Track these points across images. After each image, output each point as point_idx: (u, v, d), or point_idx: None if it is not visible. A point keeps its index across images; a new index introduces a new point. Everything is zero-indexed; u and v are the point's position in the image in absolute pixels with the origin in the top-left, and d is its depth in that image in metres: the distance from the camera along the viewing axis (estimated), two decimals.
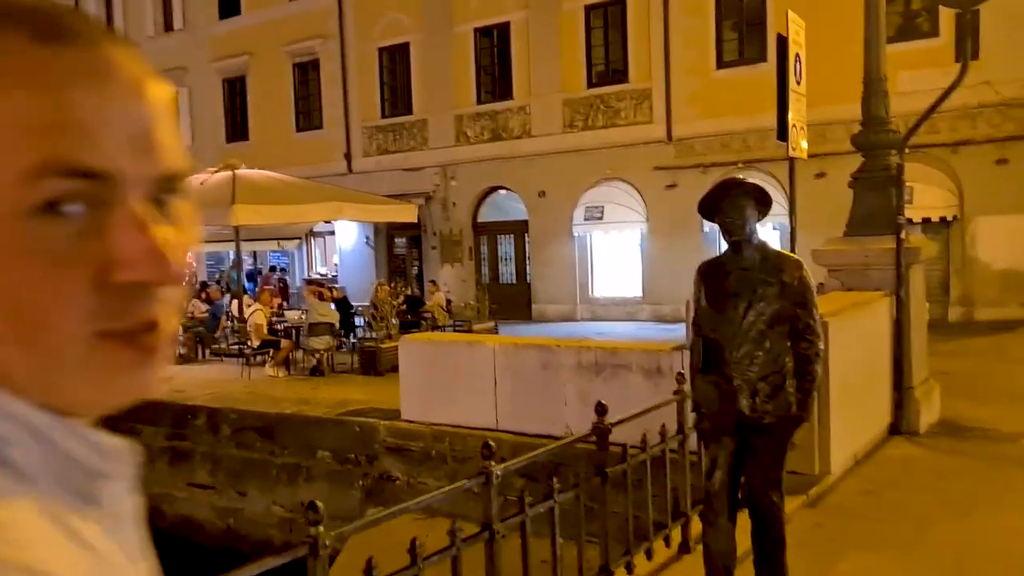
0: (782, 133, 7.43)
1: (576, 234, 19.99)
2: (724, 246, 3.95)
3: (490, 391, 8.85)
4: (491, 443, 3.43)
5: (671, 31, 18.45)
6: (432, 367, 9.20)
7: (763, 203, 3.84)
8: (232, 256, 25.75)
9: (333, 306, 13.96)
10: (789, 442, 3.91)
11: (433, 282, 17.30)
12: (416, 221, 16.12)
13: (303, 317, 13.60)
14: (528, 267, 21.28)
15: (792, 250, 8.20)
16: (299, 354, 13.03)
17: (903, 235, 6.86)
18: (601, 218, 19.45)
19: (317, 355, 12.69)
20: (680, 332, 12.54)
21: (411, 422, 9.37)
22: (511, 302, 20.72)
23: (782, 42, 7.54)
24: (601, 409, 4.02)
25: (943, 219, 15.91)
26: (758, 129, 15.90)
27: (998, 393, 8.93)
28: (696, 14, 18.21)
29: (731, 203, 3.75)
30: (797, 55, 7.68)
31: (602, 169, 19.27)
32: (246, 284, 24.83)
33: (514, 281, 21.75)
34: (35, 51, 0.53)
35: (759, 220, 3.85)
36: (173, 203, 0.59)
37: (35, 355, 0.55)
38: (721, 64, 18.21)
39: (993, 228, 15.61)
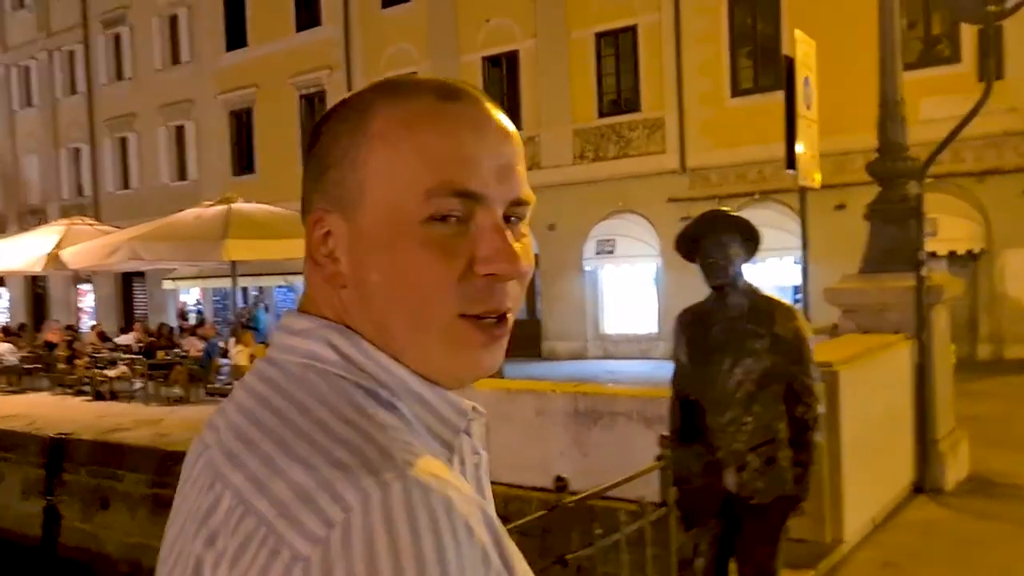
0: (791, 161, 6.85)
1: (587, 268, 19.42)
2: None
3: None
4: None
5: (684, 59, 17.98)
6: None
7: (750, 239, 3.24)
8: (254, 291, 25.59)
9: None
10: (785, 525, 3.28)
11: None
12: None
13: None
14: (537, 303, 20.70)
15: (804, 287, 7.57)
16: None
17: (924, 272, 6.21)
18: (613, 252, 18.87)
19: None
20: None
21: None
22: (520, 339, 19.80)
23: (789, 64, 6.99)
24: (561, 485, 3.40)
25: (970, 252, 15.19)
26: (775, 159, 15.25)
27: None
28: (709, 41, 17.74)
29: (713, 240, 3.17)
30: (806, 78, 7.12)
31: (614, 201, 18.73)
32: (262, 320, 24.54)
33: (523, 317, 21.13)
34: (439, 105, 0.74)
35: (746, 260, 3.25)
36: (519, 223, 0.77)
37: (413, 326, 0.73)
38: (736, 92, 17.70)
39: (1023, 262, 14.87)
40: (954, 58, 15.54)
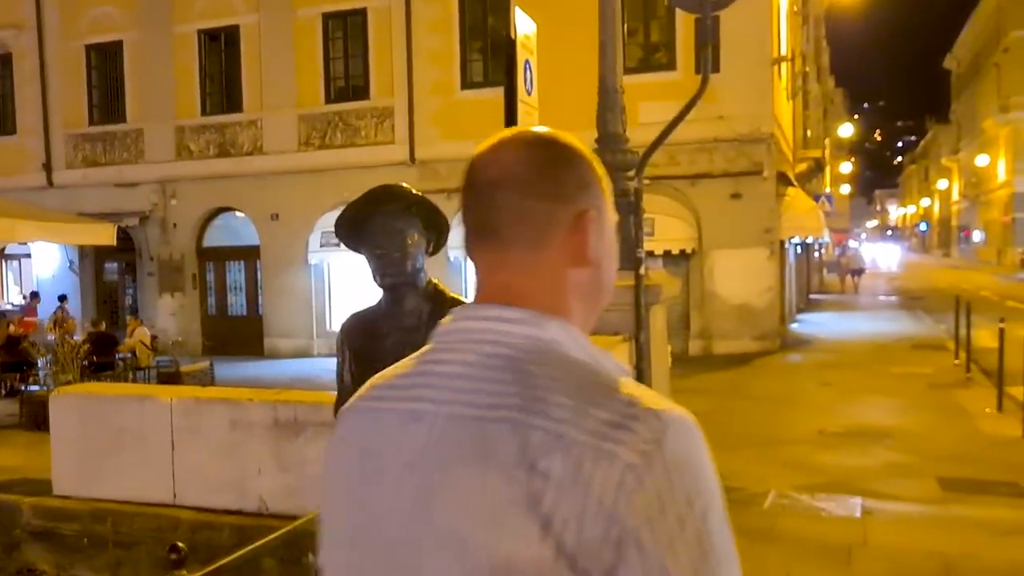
0: None
1: (312, 261, 18.34)
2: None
3: (166, 457, 7.15)
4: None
5: (414, 47, 17.40)
6: (93, 428, 7.34)
7: (433, 226, 2.54)
8: None
9: None
10: None
11: (134, 316, 14.96)
12: (115, 243, 13.78)
13: None
14: (259, 298, 19.31)
15: None
16: None
17: (643, 271, 5.94)
18: (339, 245, 17.86)
19: None
20: None
21: (65, 498, 7.42)
22: (241, 336, 18.76)
23: (511, 45, 6.49)
24: (178, 560, 2.51)
25: (683, 252, 15.88)
26: None
27: (739, 437, 8.42)
28: (440, 31, 17.30)
29: (383, 224, 2.44)
30: (527, 61, 6.65)
31: (340, 191, 17.75)
32: None
33: (244, 313, 19.69)
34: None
35: (430, 252, 2.55)
36: None
37: (606, 298, 1.08)
38: (466, 84, 17.39)
39: (728, 262, 15.77)
40: (670, 65, 16.18)
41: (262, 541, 2.92)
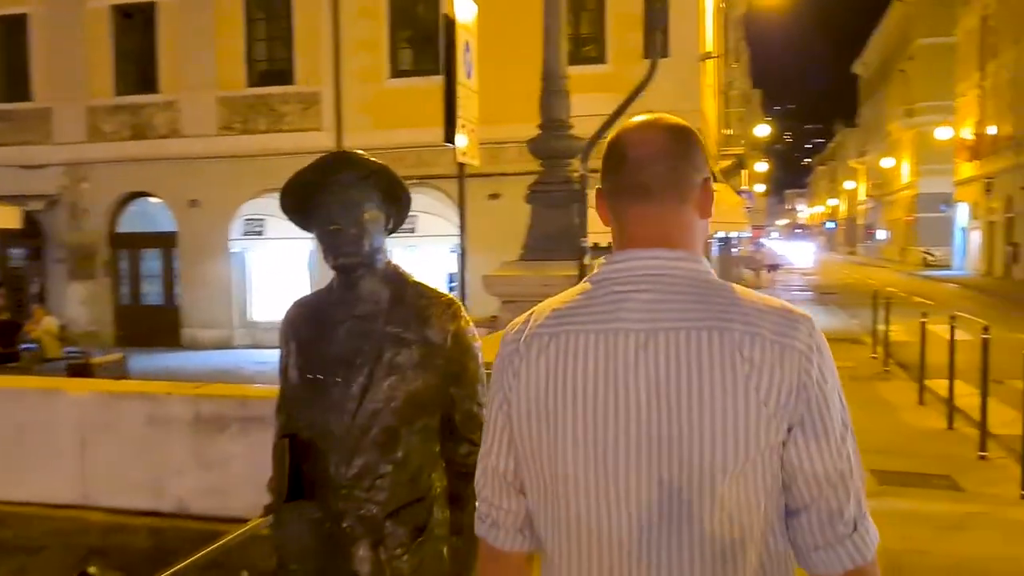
0: (450, 133, 6.10)
1: (233, 250, 17.73)
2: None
3: (76, 456, 6.69)
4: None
5: (342, 31, 16.96)
6: None
7: (393, 199, 2.25)
8: None
9: None
10: None
11: (41, 304, 14.20)
12: (21, 227, 13.03)
13: None
14: (176, 287, 18.60)
15: (462, 278, 6.87)
16: None
17: (587, 261, 5.79)
18: (261, 233, 17.37)
19: None
20: None
21: None
22: (156, 326, 18.07)
23: (449, 24, 6.24)
24: None
25: (611, 245, 15.84)
26: (433, 144, 14.78)
27: None
28: (369, 16, 16.91)
29: (337, 195, 2.15)
30: (467, 43, 6.42)
31: (265, 179, 17.19)
32: None
33: (161, 302, 18.95)
34: None
35: (390, 229, 2.27)
36: None
37: (705, 242, 1.40)
38: (395, 73, 17.03)
39: None
40: (600, 59, 16.15)
41: (201, 553, 2.64)
